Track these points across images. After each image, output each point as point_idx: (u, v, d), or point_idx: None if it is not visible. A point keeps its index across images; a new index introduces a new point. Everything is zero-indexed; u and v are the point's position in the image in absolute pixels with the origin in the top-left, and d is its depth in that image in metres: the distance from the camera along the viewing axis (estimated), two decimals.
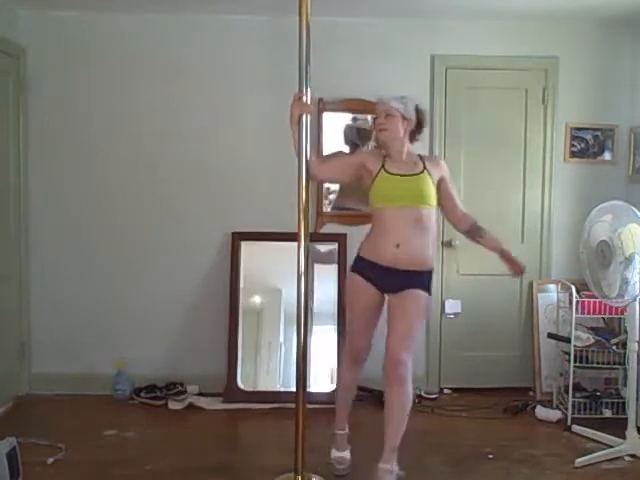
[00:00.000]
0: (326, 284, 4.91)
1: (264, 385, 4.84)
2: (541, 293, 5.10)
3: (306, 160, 3.39)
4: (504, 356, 5.14)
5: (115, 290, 5.01)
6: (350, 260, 4.91)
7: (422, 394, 5.01)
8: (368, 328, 3.64)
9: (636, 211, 3.93)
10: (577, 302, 4.53)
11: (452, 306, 5.11)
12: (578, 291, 4.54)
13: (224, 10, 4.75)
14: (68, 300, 4.99)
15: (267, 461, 3.85)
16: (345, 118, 4.97)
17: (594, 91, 5.08)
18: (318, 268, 4.92)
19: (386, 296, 3.58)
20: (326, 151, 4.90)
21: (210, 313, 4.99)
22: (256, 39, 4.90)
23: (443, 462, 3.94)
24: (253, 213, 4.95)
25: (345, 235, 4.96)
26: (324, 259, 4.96)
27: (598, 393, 4.61)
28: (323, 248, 4.97)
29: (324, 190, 4.97)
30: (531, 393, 5.04)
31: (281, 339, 4.87)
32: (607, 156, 5.12)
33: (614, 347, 4.49)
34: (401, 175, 3.50)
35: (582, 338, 4.54)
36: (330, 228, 5.00)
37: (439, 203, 3.64)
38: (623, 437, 4.06)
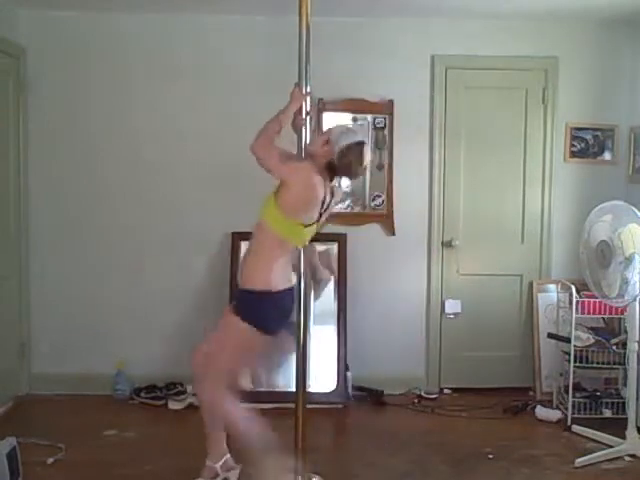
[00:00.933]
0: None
1: (264, 385, 4.84)
2: (541, 293, 5.10)
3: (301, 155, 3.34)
4: (504, 356, 5.14)
5: (115, 290, 5.01)
6: (350, 260, 4.97)
7: (422, 394, 5.02)
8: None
9: (636, 211, 3.93)
10: (577, 302, 4.53)
11: (452, 306, 5.11)
12: (578, 291, 4.54)
13: (224, 10, 4.75)
14: (68, 300, 4.99)
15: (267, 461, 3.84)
16: (345, 118, 4.97)
17: (594, 91, 5.08)
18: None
19: None
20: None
21: (210, 313, 4.98)
22: (256, 39, 4.91)
23: (443, 462, 3.94)
24: (253, 213, 4.93)
25: (345, 235, 4.96)
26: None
27: (598, 393, 4.61)
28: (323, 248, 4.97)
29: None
30: (531, 393, 5.04)
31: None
32: (607, 156, 5.12)
33: (614, 347, 4.49)
34: None
35: (582, 338, 4.54)
36: (330, 228, 5.00)
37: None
38: (623, 437, 4.06)
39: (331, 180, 3.23)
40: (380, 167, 5.02)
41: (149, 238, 5.00)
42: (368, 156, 3.23)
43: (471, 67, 5.03)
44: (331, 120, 4.92)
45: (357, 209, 5.05)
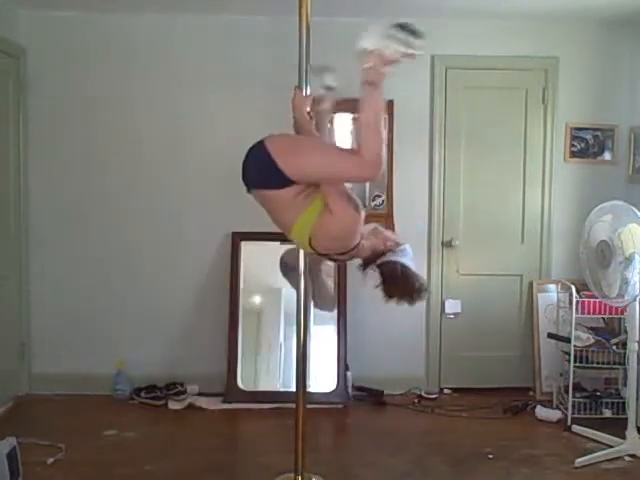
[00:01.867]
0: None
1: (264, 385, 4.85)
2: (541, 293, 5.10)
3: None
4: (504, 356, 5.14)
5: (115, 290, 5.01)
6: (350, 260, 4.95)
7: (422, 394, 5.02)
8: None
9: (636, 211, 3.93)
10: (577, 302, 4.53)
11: (452, 306, 5.11)
12: (578, 291, 4.54)
13: (224, 10, 4.75)
14: (68, 300, 4.99)
15: (267, 461, 3.85)
16: (345, 118, 4.97)
17: (594, 91, 5.08)
18: None
19: None
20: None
21: (210, 313, 5.00)
22: (256, 39, 4.91)
23: (443, 462, 3.94)
24: (253, 213, 4.93)
25: None
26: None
27: (598, 393, 4.61)
28: None
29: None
30: (531, 393, 5.03)
31: (281, 339, 4.87)
32: (607, 156, 5.12)
33: (614, 347, 4.49)
34: None
35: (582, 338, 4.54)
36: None
37: None
38: (623, 437, 4.06)
39: (364, 268, 3.07)
40: None
41: (149, 238, 5.00)
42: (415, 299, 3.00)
43: (471, 67, 5.03)
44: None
45: None
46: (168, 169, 4.97)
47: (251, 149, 2.96)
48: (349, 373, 4.86)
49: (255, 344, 4.92)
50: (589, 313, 4.58)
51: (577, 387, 4.59)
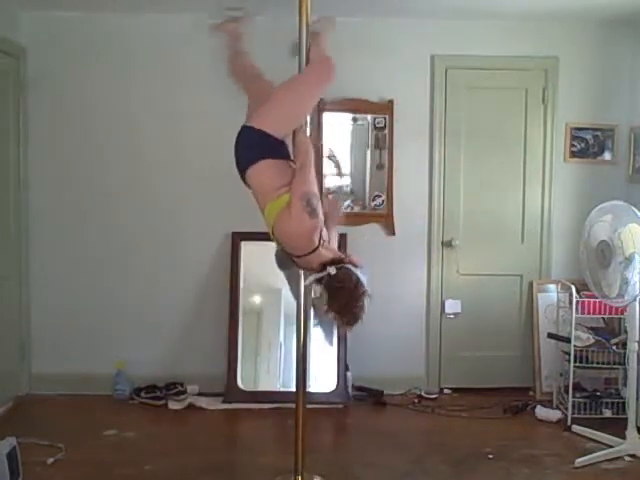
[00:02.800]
0: None
1: (264, 385, 4.85)
2: (541, 293, 5.10)
3: None
4: (504, 356, 5.14)
5: (115, 290, 5.01)
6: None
7: (422, 394, 5.02)
8: None
9: (636, 211, 3.93)
10: (577, 302, 4.53)
11: (452, 306, 5.11)
12: (578, 291, 4.54)
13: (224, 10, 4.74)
14: (68, 300, 4.99)
15: (267, 461, 3.85)
16: (345, 118, 4.97)
17: (594, 91, 5.08)
18: None
19: None
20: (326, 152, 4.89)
21: (210, 313, 5.00)
22: (256, 39, 4.89)
23: (443, 462, 3.94)
24: (253, 213, 4.92)
25: (345, 235, 4.95)
26: None
27: (598, 393, 4.61)
28: None
29: (324, 190, 4.97)
30: (531, 393, 5.03)
31: (281, 339, 4.87)
32: (607, 156, 5.12)
33: (614, 347, 4.49)
34: None
35: (582, 338, 4.54)
36: None
37: None
38: (623, 437, 4.06)
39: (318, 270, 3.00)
40: (380, 167, 5.02)
41: (149, 238, 5.00)
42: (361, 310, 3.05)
43: (471, 67, 5.03)
44: (331, 120, 4.94)
45: (357, 209, 5.05)
46: (168, 169, 4.97)
47: (237, 136, 3.20)
48: (349, 373, 4.86)
49: (255, 344, 4.92)
50: (589, 313, 4.58)
51: (577, 387, 4.59)
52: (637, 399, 4.14)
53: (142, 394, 4.83)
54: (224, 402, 4.77)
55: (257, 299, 4.97)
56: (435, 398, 5.00)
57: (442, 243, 5.10)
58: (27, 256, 4.94)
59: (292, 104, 3.14)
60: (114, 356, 4.92)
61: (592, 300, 4.47)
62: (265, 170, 3.06)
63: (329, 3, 4.32)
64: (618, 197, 4.24)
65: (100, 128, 4.95)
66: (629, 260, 3.88)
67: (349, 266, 3.02)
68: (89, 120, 4.94)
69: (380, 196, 5.04)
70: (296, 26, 3.33)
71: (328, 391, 4.77)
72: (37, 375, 4.97)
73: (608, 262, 3.99)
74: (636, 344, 4.08)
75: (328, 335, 4.78)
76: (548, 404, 4.78)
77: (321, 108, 4.88)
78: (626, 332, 4.29)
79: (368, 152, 5.03)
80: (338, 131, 4.99)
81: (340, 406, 4.74)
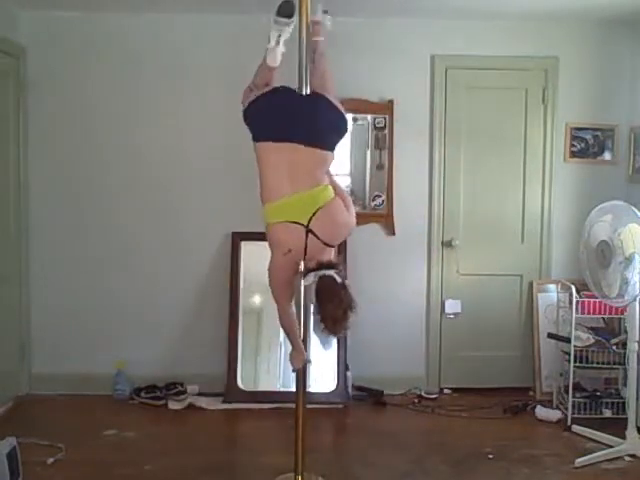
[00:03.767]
0: None
1: (264, 385, 4.85)
2: (541, 293, 5.09)
3: None
4: (504, 356, 5.14)
5: (115, 290, 5.01)
6: (351, 259, 4.96)
7: (422, 394, 5.02)
8: None
9: (636, 211, 3.93)
10: (577, 302, 4.53)
11: (452, 306, 5.11)
12: (578, 291, 4.54)
13: (224, 10, 4.74)
14: (68, 300, 4.99)
15: (267, 461, 3.85)
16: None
17: (594, 91, 5.08)
18: None
19: None
20: None
21: (210, 313, 5.00)
22: (256, 39, 4.89)
23: (443, 462, 3.94)
24: (253, 213, 4.93)
25: None
26: None
27: (598, 393, 4.61)
28: None
29: None
30: (531, 393, 5.03)
31: (281, 339, 4.87)
32: (607, 156, 5.12)
33: (614, 347, 4.49)
34: None
35: (582, 338, 4.54)
36: None
37: None
38: (623, 437, 4.07)
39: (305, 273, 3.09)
40: (380, 167, 5.02)
41: (149, 238, 5.00)
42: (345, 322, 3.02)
43: (471, 67, 5.03)
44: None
45: (357, 209, 5.01)
46: (168, 169, 4.97)
47: (319, 103, 3.18)
48: (349, 373, 4.86)
49: (255, 344, 4.93)
50: (589, 313, 4.58)
51: (577, 387, 4.59)
52: (637, 399, 4.14)
53: (142, 394, 4.83)
54: (224, 402, 4.77)
55: (257, 299, 4.97)
56: (435, 398, 5.00)
57: (442, 243, 5.10)
58: (27, 256, 4.94)
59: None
60: (114, 356, 4.92)
61: (592, 300, 4.47)
62: (330, 160, 3.15)
63: (329, 3, 4.33)
64: (618, 197, 4.24)
65: (100, 128, 4.95)
66: (629, 260, 3.88)
67: (332, 272, 3.05)
68: (89, 120, 4.94)
69: (380, 196, 5.04)
70: (296, 26, 3.31)
71: (328, 391, 4.77)
72: (37, 375, 4.97)
73: (608, 262, 3.99)
74: (636, 344, 4.08)
75: (326, 342, 4.76)
76: (548, 404, 4.78)
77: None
78: (626, 332, 4.29)
79: (368, 152, 5.03)
80: None
81: (340, 406, 4.74)
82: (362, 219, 5.02)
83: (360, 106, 4.94)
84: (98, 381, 4.90)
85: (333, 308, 2.97)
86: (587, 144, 5.11)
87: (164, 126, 4.95)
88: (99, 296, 5.00)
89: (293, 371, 3.47)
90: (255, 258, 4.94)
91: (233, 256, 4.95)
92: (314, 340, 4.63)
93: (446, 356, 5.15)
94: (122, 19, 4.87)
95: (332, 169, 3.28)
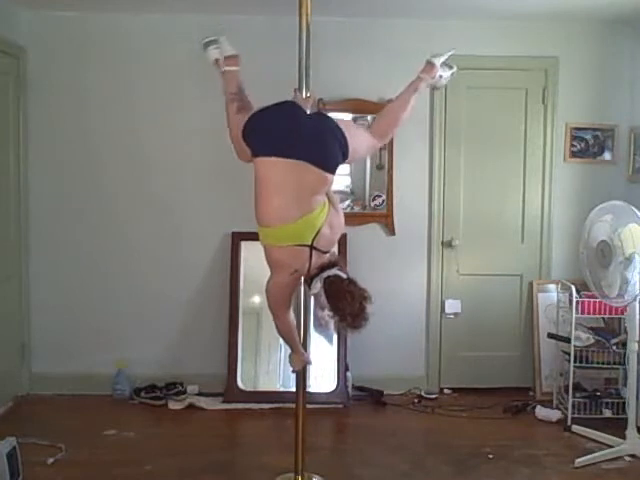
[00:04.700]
0: None
1: (264, 385, 4.85)
2: (541, 293, 5.09)
3: None
4: (504, 356, 5.14)
5: (115, 290, 5.01)
6: (351, 259, 4.96)
7: (422, 394, 5.02)
8: None
9: (636, 211, 3.93)
10: (577, 302, 4.53)
11: (452, 306, 5.11)
12: (578, 291, 4.54)
13: (224, 10, 4.74)
14: (68, 300, 4.99)
15: (267, 461, 3.85)
16: (345, 118, 4.96)
17: (594, 91, 5.08)
18: None
19: None
20: None
21: (210, 313, 5.00)
22: (256, 39, 4.90)
23: (443, 462, 3.94)
24: (253, 213, 4.93)
25: (345, 235, 4.95)
26: None
27: (598, 393, 4.61)
28: None
29: None
30: (531, 393, 5.04)
31: (281, 340, 4.86)
32: (607, 156, 5.12)
33: (614, 347, 4.49)
34: None
35: (582, 338, 4.54)
36: None
37: None
38: (623, 437, 4.07)
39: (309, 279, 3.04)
40: (380, 167, 5.02)
41: (149, 238, 5.00)
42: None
43: (471, 67, 5.00)
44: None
45: (357, 209, 5.05)
46: (168, 169, 4.97)
47: (325, 122, 3.02)
48: (349, 373, 4.86)
49: (255, 344, 4.92)
50: (589, 313, 4.58)
51: (577, 387, 4.59)
52: (637, 399, 4.14)
53: (142, 394, 4.83)
54: (224, 402, 4.77)
55: (257, 299, 4.96)
56: (435, 398, 5.00)
57: (442, 243, 5.10)
58: (27, 256, 4.94)
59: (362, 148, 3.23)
60: (114, 356, 4.92)
61: (592, 300, 4.47)
62: (332, 182, 3.04)
63: (329, 3, 4.33)
64: (618, 197, 4.24)
65: (100, 128, 4.95)
66: (629, 260, 3.88)
67: (336, 271, 3.06)
68: (89, 120, 4.94)
69: (380, 196, 5.03)
70: (296, 26, 3.31)
71: (328, 391, 4.77)
72: (37, 375, 4.97)
73: (608, 262, 3.99)
74: (636, 344, 4.08)
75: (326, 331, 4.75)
76: (548, 404, 4.78)
77: (321, 108, 4.87)
78: (626, 332, 4.29)
79: None
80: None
81: (340, 406, 4.74)
82: (362, 219, 5.05)
83: (360, 106, 4.94)
84: (98, 381, 4.90)
85: (348, 304, 2.98)
86: (587, 144, 5.11)
87: (164, 126, 4.94)
88: (99, 296, 5.00)
89: (293, 372, 3.47)
90: (255, 258, 4.92)
91: (233, 256, 4.95)
92: (314, 340, 4.66)
93: (446, 356, 5.15)
94: (122, 19, 4.87)
95: None
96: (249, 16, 4.85)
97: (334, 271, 3.01)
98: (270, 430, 4.38)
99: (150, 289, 5.01)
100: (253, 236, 4.84)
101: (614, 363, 4.49)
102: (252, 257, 4.93)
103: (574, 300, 4.51)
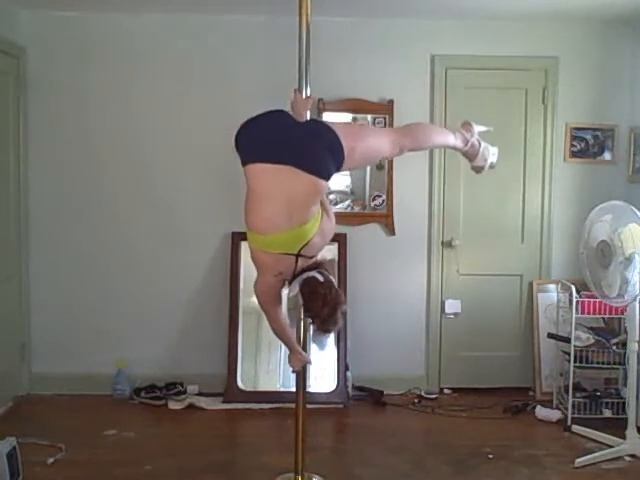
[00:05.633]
0: None
1: (264, 385, 4.85)
2: (541, 293, 5.09)
3: None
4: (504, 356, 5.14)
5: (115, 290, 5.01)
6: (351, 259, 4.97)
7: (422, 394, 5.02)
8: None
9: (636, 211, 3.93)
10: (577, 302, 4.53)
11: (452, 306, 5.11)
12: (578, 291, 4.54)
13: (224, 10, 4.75)
14: (68, 300, 4.99)
15: (267, 461, 3.85)
16: (345, 118, 4.96)
17: (594, 91, 5.08)
18: None
19: None
20: None
21: (210, 313, 5.00)
22: (256, 39, 4.91)
23: (443, 462, 3.94)
24: None
25: (345, 235, 4.96)
26: None
27: (598, 393, 4.61)
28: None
29: None
30: (531, 393, 5.04)
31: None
32: (607, 156, 5.12)
33: (614, 347, 4.49)
34: None
35: (582, 338, 4.54)
36: None
37: None
38: (623, 437, 4.06)
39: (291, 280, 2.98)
40: (380, 167, 5.02)
41: (149, 238, 5.00)
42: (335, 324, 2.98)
43: (471, 67, 5.02)
44: (331, 120, 4.92)
45: (357, 209, 5.05)
46: (168, 169, 4.97)
47: (315, 126, 2.98)
48: (349, 373, 4.86)
49: (255, 344, 4.92)
50: (589, 313, 4.58)
51: (577, 387, 4.59)
52: (637, 399, 4.14)
53: (142, 394, 4.83)
54: (224, 402, 4.77)
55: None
56: (435, 398, 5.00)
57: (442, 243, 5.10)
58: (27, 256, 4.94)
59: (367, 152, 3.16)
60: (114, 356, 4.92)
61: (592, 300, 4.47)
62: (326, 190, 3.00)
63: (329, 3, 4.33)
64: (618, 197, 4.24)
65: (100, 128, 4.95)
66: (629, 260, 3.88)
67: (314, 273, 2.98)
68: (89, 120, 4.94)
69: (380, 196, 5.04)
70: (296, 26, 3.31)
71: (328, 391, 4.77)
72: (37, 375, 4.97)
73: (608, 262, 3.99)
74: (636, 344, 4.08)
75: (319, 342, 4.75)
76: (548, 404, 4.78)
77: (321, 108, 4.88)
78: (626, 332, 4.29)
79: None
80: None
81: (340, 406, 4.74)
82: (362, 219, 5.05)
83: (360, 106, 4.94)
84: (98, 381, 4.90)
85: (318, 307, 2.91)
86: (587, 144, 5.11)
87: (164, 126, 4.95)
88: (99, 296, 5.00)
89: (293, 372, 3.47)
90: None
91: (233, 256, 4.95)
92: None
93: (446, 356, 5.15)
94: (122, 19, 4.87)
95: None
96: (249, 16, 4.85)
97: (313, 273, 2.95)
98: (270, 430, 4.38)
99: (150, 289, 5.01)
100: None
101: (614, 363, 4.49)
102: None
103: (574, 300, 4.51)
